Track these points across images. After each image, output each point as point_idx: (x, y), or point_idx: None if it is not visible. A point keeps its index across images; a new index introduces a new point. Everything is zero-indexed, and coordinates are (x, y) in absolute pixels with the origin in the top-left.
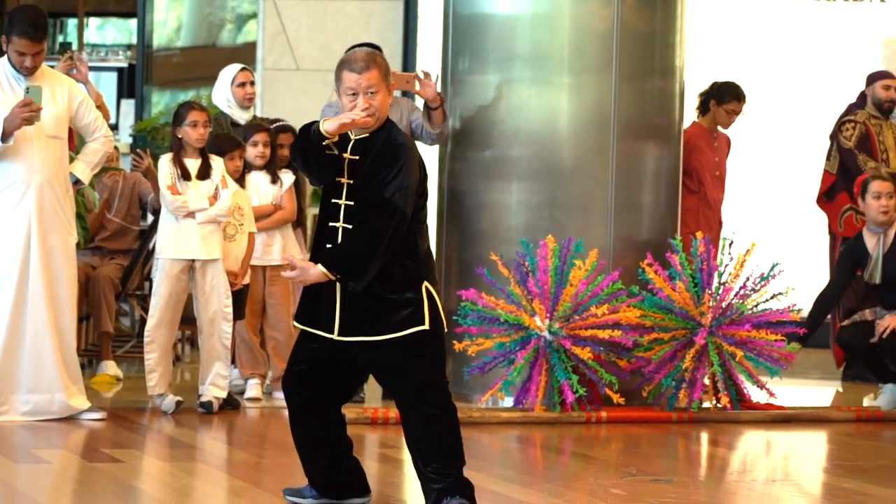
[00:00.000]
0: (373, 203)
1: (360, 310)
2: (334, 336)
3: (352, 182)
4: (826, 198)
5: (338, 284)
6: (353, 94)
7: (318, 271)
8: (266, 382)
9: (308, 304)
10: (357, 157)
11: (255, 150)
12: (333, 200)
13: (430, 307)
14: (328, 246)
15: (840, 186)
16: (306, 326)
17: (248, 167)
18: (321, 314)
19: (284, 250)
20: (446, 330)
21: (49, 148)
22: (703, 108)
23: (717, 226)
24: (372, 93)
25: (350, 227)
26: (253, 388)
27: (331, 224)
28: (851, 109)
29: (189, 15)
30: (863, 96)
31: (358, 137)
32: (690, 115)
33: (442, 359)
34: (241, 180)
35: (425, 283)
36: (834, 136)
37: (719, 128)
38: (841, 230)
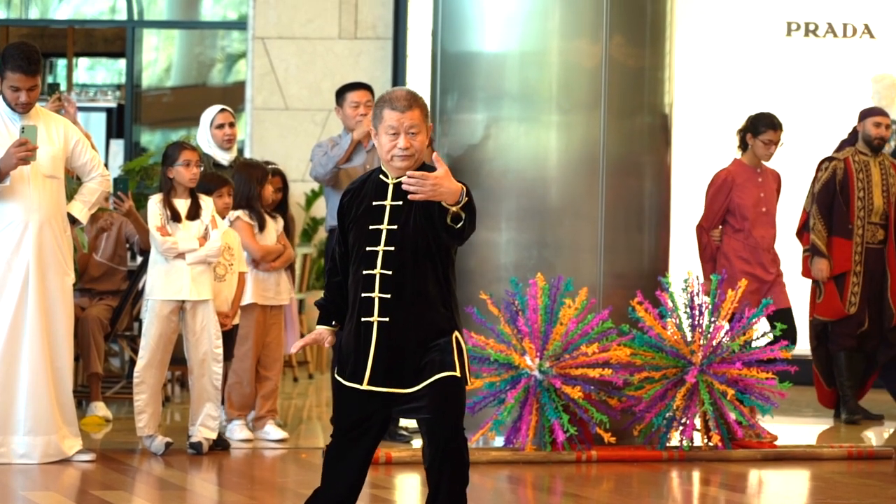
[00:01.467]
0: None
1: (394, 360)
2: (363, 386)
3: (395, 227)
4: (799, 234)
5: (374, 333)
6: (395, 134)
7: (458, 185)
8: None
9: (343, 356)
10: (400, 203)
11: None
12: (369, 248)
13: (459, 356)
14: (364, 296)
15: (808, 226)
16: (345, 379)
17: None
18: (352, 365)
19: (277, 289)
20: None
21: (46, 188)
22: (743, 144)
23: (771, 264)
24: (413, 133)
25: (390, 272)
26: (243, 430)
27: (365, 272)
28: (842, 146)
29: (179, 54)
30: (854, 133)
31: (397, 181)
32: (679, 152)
33: (463, 410)
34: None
35: (456, 333)
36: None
37: (763, 163)
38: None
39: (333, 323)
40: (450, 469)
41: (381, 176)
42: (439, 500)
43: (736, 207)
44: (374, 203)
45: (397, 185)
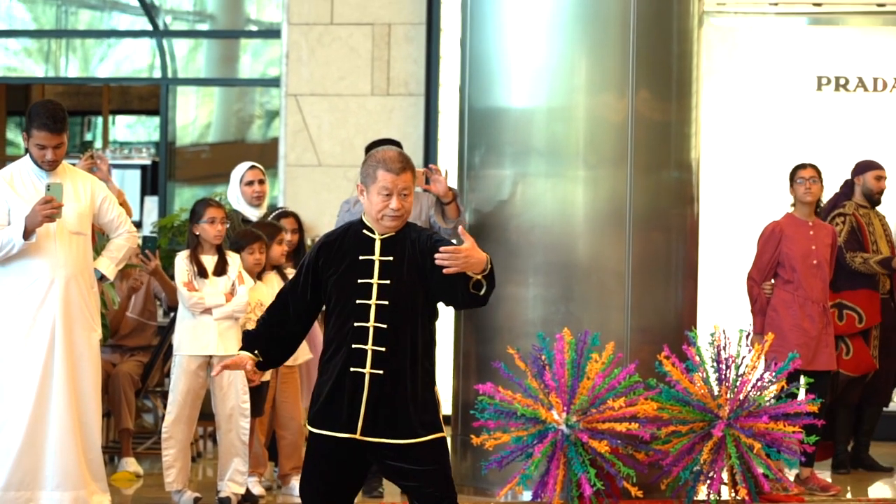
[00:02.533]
0: None
1: (386, 409)
2: (357, 435)
3: (387, 282)
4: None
5: (366, 384)
6: (388, 195)
7: (484, 255)
8: (263, 478)
9: (324, 407)
10: (391, 258)
11: (280, 249)
12: (359, 301)
13: (440, 412)
14: (356, 347)
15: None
16: (324, 430)
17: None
18: (340, 415)
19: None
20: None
21: (72, 244)
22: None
23: (819, 317)
24: (405, 195)
25: (384, 325)
26: (255, 486)
27: (357, 325)
28: (839, 199)
29: (218, 111)
30: (848, 185)
31: (384, 237)
32: (707, 206)
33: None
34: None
35: (436, 387)
36: None
37: (817, 218)
38: None
39: (256, 353)
40: None
41: (365, 231)
42: None
43: (785, 259)
44: (361, 258)
45: (385, 241)
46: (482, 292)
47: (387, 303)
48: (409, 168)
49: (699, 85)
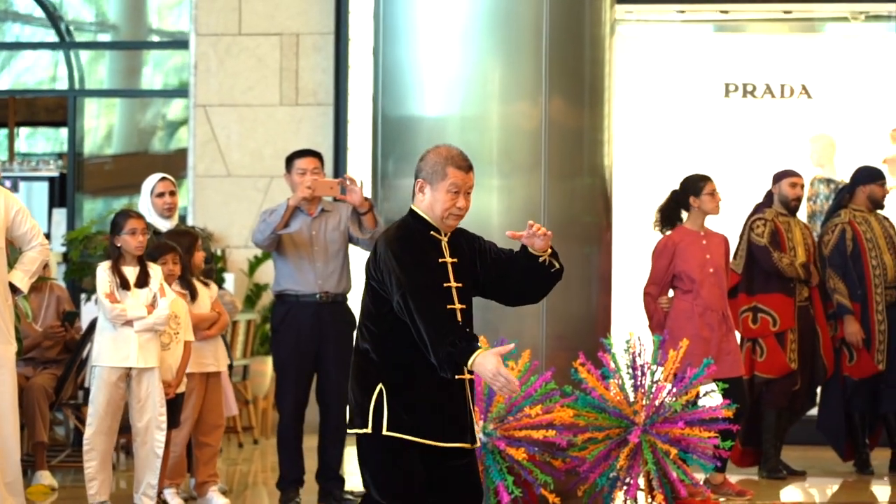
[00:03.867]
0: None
1: (470, 410)
2: (471, 445)
3: (461, 285)
4: (729, 295)
5: (467, 387)
6: (456, 193)
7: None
8: (180, 489)
9: (430, 417)
10: (457, 260)
11: (201, 255)
12: (449, 306)
13: None
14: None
15: (742, 286)
16: (436, 441)
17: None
18: (451, 424)
19: (216, 356)
20: None
21: None
22: (680, 209)
23: (718, 325)
24: (468, 193)
25: (468, 329)
26: (174, 498)
27: (449, 307)
28: (759, 209)
29: (120, 122)
30: (769, 195)
31: (448, 238)
32: (620, 214)
33: None
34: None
35: None
36: (743, 236)
37: (707, 227)
38: (739, 329)
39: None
40: None
41: (433, 232)
42: None
43: (681, 271)
44: (440, 260)
45: (449, 242)
46: (557, 269)
47: (465, 307)
48: (472, 167)
49: (611, 92)
